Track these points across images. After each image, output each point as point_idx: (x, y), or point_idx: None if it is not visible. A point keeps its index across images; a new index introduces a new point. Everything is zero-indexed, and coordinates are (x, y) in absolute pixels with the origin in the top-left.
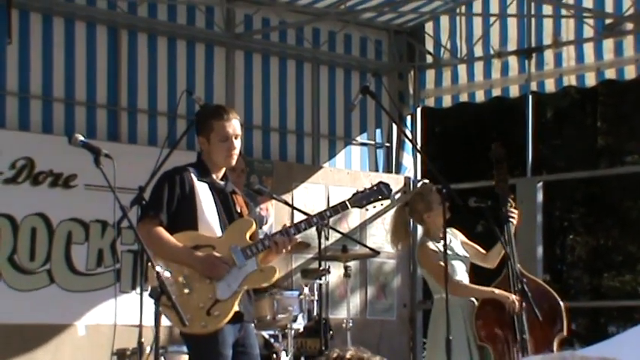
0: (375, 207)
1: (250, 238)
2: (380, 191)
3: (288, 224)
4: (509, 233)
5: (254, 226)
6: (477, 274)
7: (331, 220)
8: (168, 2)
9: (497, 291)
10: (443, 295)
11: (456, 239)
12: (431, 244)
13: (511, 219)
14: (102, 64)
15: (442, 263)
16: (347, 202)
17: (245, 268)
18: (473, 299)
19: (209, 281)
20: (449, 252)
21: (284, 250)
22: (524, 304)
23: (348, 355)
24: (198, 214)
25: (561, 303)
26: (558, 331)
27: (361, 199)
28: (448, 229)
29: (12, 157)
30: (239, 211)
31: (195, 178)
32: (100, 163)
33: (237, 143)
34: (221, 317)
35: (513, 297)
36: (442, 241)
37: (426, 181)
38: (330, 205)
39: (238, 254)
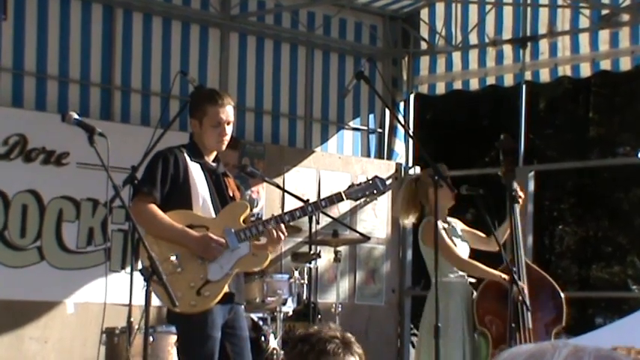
0: (368, 200)
1: (243, 221)
2: (375, 185)
3: (282, 212)
4: (516, 215)
5: (248, 209)
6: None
7: None
8: None
9: (504, 275)
10: (442, 279)
11: (456, 226)
12: (440, 225)
13: (519, 199)
14: (96, 42)
15: (448, 240)
16: (342, 194)
17: (238, 251)
18: (470, 287)
19: (201, 261)
20: (454, 234)
21: (281, 240)
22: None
23: (298, 335)
24: (192, 194)
25: (562, 295)
26: (558, 322)
27: (357, 191)
28: (450, 219)
29: (5, 134)
30: (231, 194)
31: (188, 159)
32: (93, 142)
33: (229, 129)
34: (211, 298)
35: (520, 284)
36: (444, 223)
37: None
38: (322, 190)
39: (232, 237)
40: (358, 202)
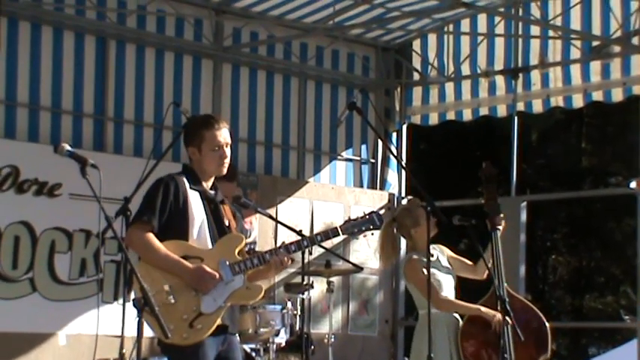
0: (365, 236)
1: (238, 253)
2: (372, 221)
3: (275, 245)
4: (497, 242)
5: (244, 242)
6: (465, 289)
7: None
8: (157, 14)
9: (483, 309)
10: (425, 311)
11: (442, 255)
12: (417, 260)
13: (499, 227)
14: (89, 73)
15: (423, 280)
16: (339, 229)
17: (232, 283)
18: (457, 316)
19: (195, 293)
20: (437, 267)
21: (282, 266)
22: (508, 322)
23: None
24: (190, 224)
25: (547, 324)
26: (542, 352)
27: (353, 226)
28: (435, 246)
29: None
30: (227, 223)
31: (188, 187)
32: (86, 173)
33: (228, 151)
34: (203, 331)
35: (499, 316)
36: (428, 255)
37: (410, 197)
38: (315, 221)
39: (226, 269)
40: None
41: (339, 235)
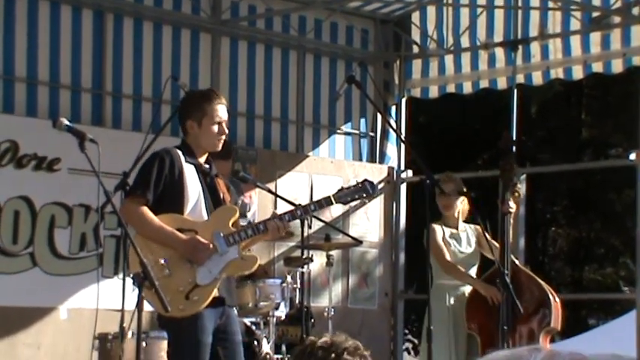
0: (359, 204)
1: (232, 225)
2: (365, 189)
3: (277, 212)
4: (508, 226)
5: (237, 214)
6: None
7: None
8: None
9: (481, 283)
10: (437, 281)
11: (473, 234)
12: (438, 228)
13: (510, 210)
14: (87, 47)
15: (440, 244)
16: (332, 197)
17: (227, 255)
18: (463, 290)
19: (190, 265)
20: (458, 240)
21: (278, 234)
22: (505, 296)
23: (319, 343)
24: (185, 196)
25: (551, 296)
26: (545, 324)
27: (346, 195)
28: (471, 225)
29: None
30: (222, 196)
31: (183, 161)
32: (84, 148)
33: (226, 128)
34: (199, 302)
35: (494, 290)
36: (454, 229)
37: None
38: (314, 195)
39: (221, 241)
40: (349, 205)
41: (332, 203)
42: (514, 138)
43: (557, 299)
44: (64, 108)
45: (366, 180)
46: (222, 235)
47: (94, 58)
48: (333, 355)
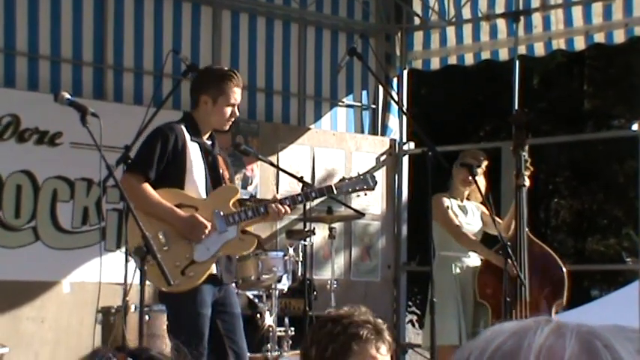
0: (358, 196)
1: (233, 205)
2: (366, 181)
3: (280, 191)
4: (522, 199)
5: (238, 194)
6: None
7: (316, 181)
8: None
9: (493, 253)
10: (442, 252)
11: (477, 210)
12: (444, 199)
13: (525, 184)
14: (88, 21)
15: (452, 216)
16: (333, 187)
17: (225, 234)
18: (467, 262)
19: (188, 241)
20: (464, 212)
21: (278, 217)
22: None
23: (331, 315)
24: (187, 174)
25: (564, 269)
26: (559, 297)
27: (347, 185)
28: (474, 203)
29: None
30: (222, 173)
31: (187, 138)
32: (86, 122)
33: (237, 111)
34: (195, 278)
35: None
36: (456, 200)
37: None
38: (316, 167)
39: (220, 219)
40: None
41: (333, 193)
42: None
43: (564, 269)
44: (65, 82)
45: (366, 172)
46: (222, 214)
47: (95, 31)
48: (339, 328)
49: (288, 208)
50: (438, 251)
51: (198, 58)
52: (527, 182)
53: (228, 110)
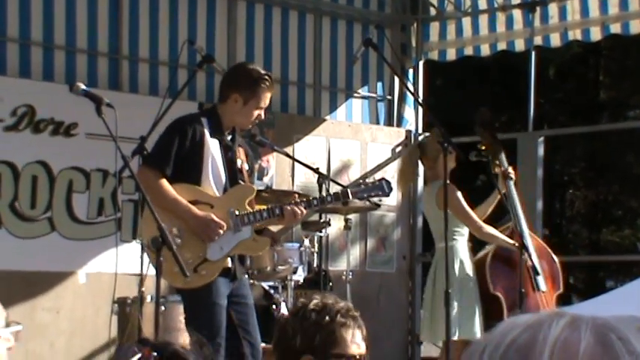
0: (374, 202)
1: (248, 204)
2: (381, 187)
3: (295, 182)
4: (511, 190)
5: (254, 194)
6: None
7: (331, 172)
8: None
9: (512, 241)
10: (440, 244)
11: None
12: (456, 190)
13: (510, 176)
14: (103, 11)
15: (467, 206)
16: (349, 193)
17: (240, 234)
18: (469, 254)
19: (202, 239)
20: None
21: (294, 219)
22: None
23: (311, 306)
24: (203, 170)
25: (557, 259)
26: (557, 289)
27: (362, 191)
28: None
29: (13, 105)
30: (240, 168)
31: (207, 133)
32: (101, 113)
33: (263, 115)
34: (206, 277)
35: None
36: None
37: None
38: (331, 158)
39: (235, 219)
40: (368, 169)
41: (349, 198)
42: (532, 101)
43: (557, 260)
44: (80, 72)
45: (383, 178)
46: (237, 213)
47: (111, 21)
48: (326, 317)
49: (304, 210)
50: (437, 243)
51: (214, 49)
52: (512, 172)
53: (256, 113)
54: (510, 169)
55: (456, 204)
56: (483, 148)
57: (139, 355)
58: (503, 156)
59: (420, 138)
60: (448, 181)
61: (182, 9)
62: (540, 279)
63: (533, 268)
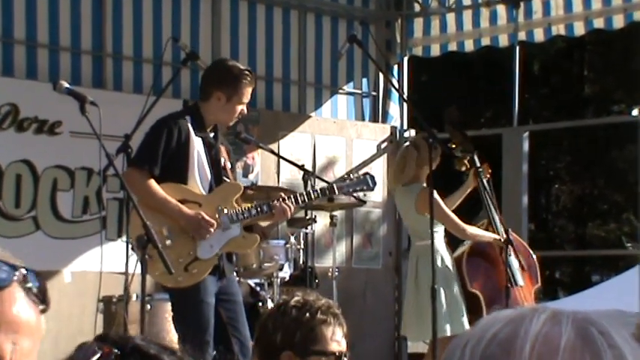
0: (359, 198)
1: (235, 202)
2: (366, 182)
3: (281, 179)
4: (485, 186)
5: (241, 191)
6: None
7: (317, 169)
8: None
9: (497, 236)
10: (418, 242)
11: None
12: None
13: (483, 173)
14: (86, 9)
15: (448, 210)
16: (335, 188)
17: (229, 231)
18: (446, 252)
19: (191, 238)
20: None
21: (283, 216)
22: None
23: (292, 303)
24: (190, 169)
25: (534, 255)
26: (535, 283)
27: (348, 186)
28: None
29: None
30: (224, 165)
31: (192, 131)
32: (85, 111)
33: (245, 110)
34: (198, 275)
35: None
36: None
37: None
38: (317, 155)
39: (224, 217)
40: (354, 165)
41: (335, 193)
42: (517, 96)
43: (534, 256)
44: (64, 70)
45: (367, 173)
46: (226, 211)
47: (94, 19)
48: (307, 314)
49: (292, 206)
50: (415, 241)
51: (198, 46)
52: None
53: (238, 109)
54: (484, 167)
55: (439, 211)
56: (454, 146)
57: (98, 355)
58: (474, 154)
59: (411, 137)
60: (426, 185)
61: (166, 6)
62: (518, 273)
63: (519, 262)
